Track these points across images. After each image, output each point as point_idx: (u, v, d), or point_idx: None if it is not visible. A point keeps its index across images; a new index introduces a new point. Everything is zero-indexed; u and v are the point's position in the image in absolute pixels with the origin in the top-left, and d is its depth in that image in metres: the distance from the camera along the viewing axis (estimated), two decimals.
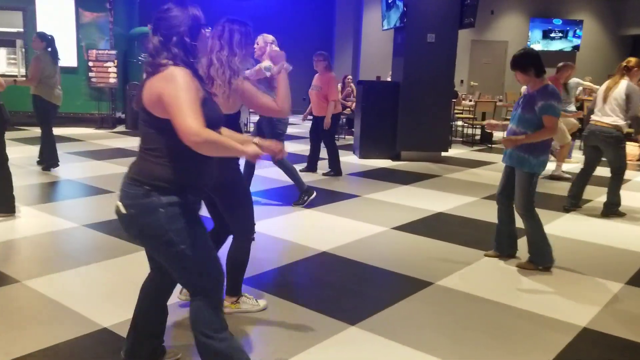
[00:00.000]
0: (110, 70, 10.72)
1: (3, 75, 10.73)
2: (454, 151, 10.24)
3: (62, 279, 3.75)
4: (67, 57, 9.85)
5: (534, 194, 4.13)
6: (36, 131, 7.79)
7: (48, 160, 7.10)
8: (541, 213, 4.26)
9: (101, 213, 5.23)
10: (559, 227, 5.47)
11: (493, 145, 11.12)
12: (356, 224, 5.31)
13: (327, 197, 6.33)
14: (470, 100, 11.64)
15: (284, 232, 5.00)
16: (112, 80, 10.82)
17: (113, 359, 2.73)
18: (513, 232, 4.45)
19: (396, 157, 9.04)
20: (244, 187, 3.19)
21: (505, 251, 4.48)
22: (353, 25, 15.62)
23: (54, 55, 6.90)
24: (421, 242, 4.85)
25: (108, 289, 3.65)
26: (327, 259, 4.36)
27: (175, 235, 2.16)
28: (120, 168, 6.99)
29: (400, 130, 8.93)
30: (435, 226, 5.37)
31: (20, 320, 3.15)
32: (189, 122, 1.99)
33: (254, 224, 3.23)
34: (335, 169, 7.58)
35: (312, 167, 7.75)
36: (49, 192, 6.24)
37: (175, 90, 2.05)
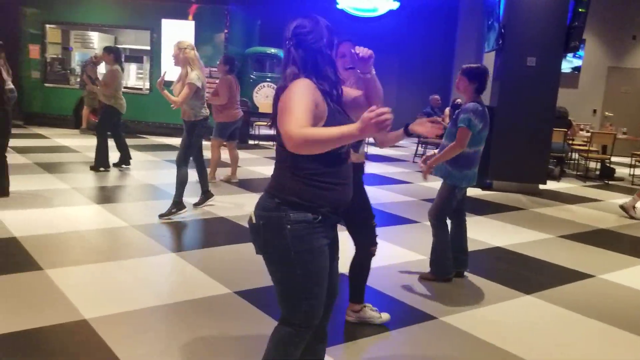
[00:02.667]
0: None
1: (133, 88, 11.93)
2: (562, 185, 9.43)
3: (77, 272, 4.04)
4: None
5: (451, 207, 4.23)
6: (154, 140, 8.51)
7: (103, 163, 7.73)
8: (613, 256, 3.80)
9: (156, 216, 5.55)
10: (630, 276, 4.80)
11: (612, 182, 10.06)
12: (394, 251, 5.09)
13: (383, 220, 6.15)
14: (588, 132, 10.64)
15: None
16: None
17: (77, 348, 2.89)
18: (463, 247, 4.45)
19: (487, 187, 8.52)
20: (365, 199, 3.34)
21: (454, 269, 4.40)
22: (475, 45, 15.09)
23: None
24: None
25: (112, 285, 3.86)
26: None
27: (295, 257, 2.08)
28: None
29: (493, 158, 8.41)
30: (479, 260, 4.98)
31: (18, 302, 3.44)
32: (287, 128, 1.93)
33: (376, 235, 3.42)
34: None
35: None
36: (120, 193, 6.76)
37: (287, 99, 2.01)
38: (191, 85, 5.38)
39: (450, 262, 4.32)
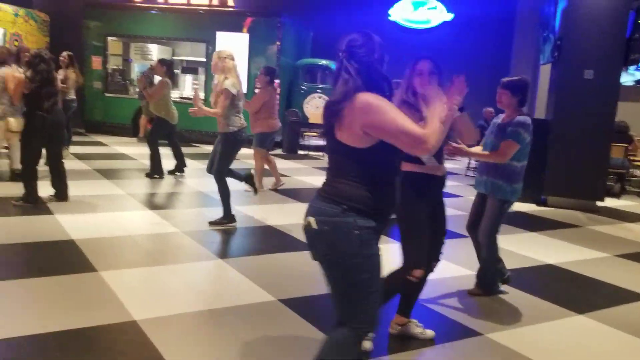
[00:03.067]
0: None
1: (188, 99, 12.25)
2: (622, 202, 9.07)
3: (129, 274, 4.16)
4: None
5: (500, 223, 4.11)
6: (208, 148, 8.71)
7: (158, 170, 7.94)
8: None
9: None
10: None
11: None
12: (441, 265, 5.00)
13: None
14: None
15: None
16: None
17: (126, 348, 2.98)
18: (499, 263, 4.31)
19: (542, 202, 8.29)
20: (417, 219, 3.17)
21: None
22: (532, 57, 14.76)
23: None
24: (501, 291, 4.42)
25: (162, 288, 3.96)
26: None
27: (364, 261, 2.17)
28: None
29: (548, 174, 8.19)
30: (529, 278, 4.84)
31: (73, 302, 3.58)
32: (415, 133, 2.09)
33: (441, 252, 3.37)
34: None
35: None
36: (173, 200, 6.94)
37: (382, 115, 2.11)
38: (226, 91, 5.30)
39: (498, 279, 4.31)
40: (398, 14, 15.96)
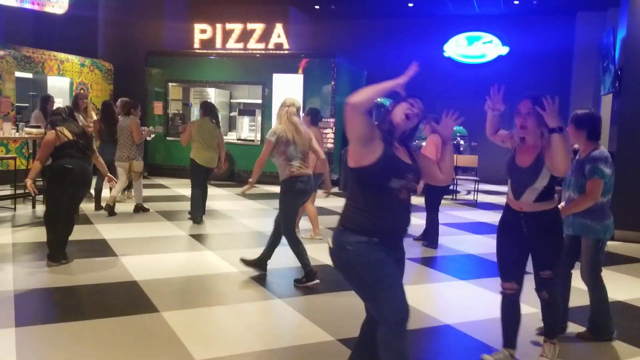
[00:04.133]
0: (328, 136, 11.69)
1: (245, 140, 12.54)
2: None
3: (190, 315, 4.24)
4: None
5: (601, 262, 4.00)
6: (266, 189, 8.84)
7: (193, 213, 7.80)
8: None
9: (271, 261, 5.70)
10: None
11: None
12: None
13: (493, 270, 5.91)
14: None
15: (417, 296, 4.83)
16: (329, 145, 11.75)
17: None
18: (566, 303, 4.25)
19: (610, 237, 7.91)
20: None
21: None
22: (592, 89, 14.38)
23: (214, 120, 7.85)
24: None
25: (222, 328, 4.00)
26: (447, 332, 4.09)
27: (361, 270, 2.61)
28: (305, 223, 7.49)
29: (616, 206, 7.81)
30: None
31: (136, 341, 3.67)
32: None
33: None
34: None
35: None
36: (232, 240, 7.04)
37: None
38: (266, 140, 5.18)
39: (612, 321, 4.12)
40: (452, 50, 15.97)
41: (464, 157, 12.05)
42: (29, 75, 11.59)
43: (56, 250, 5.39)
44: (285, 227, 5.12)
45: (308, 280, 5.07)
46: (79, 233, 6.56)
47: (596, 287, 4.04)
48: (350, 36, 15.84)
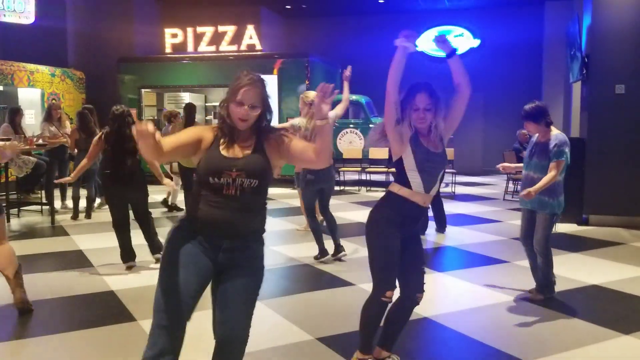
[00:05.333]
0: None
1: None
2: None
3: None
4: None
5: (550, 233, 4.50)
6: None
7: None
8: None
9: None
10: None
11: None
12: (480, 292, 4.92)
13: (473, 261, 6.00)
14: None
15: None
16: None
17: None
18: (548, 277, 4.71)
19: (583, 222, 8.07)
20: (376, 241, 3.17)
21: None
22: (563, 77, 14.60)
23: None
24: (541, 315, 4.30)
25: (201, 335, 3.98)
26: (425, 325, 4.14)
27: (163, 260, 2.56)
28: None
29: (588, 192, 8.00)
30: (574, 300, 4.71)
31: (112, 351, 3.65)
32: None
33: (424, 283, 3.23)
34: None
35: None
36: None
37: None
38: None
39: (554, 281, 4.72)
40: (424, 45, 16.05)
41: (450, 150, 12.15)
42: (1, 88, 11.42)
43: (124, 252, 5.68)
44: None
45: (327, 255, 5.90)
46: (54, 244, 6.50)
47: (547, 255, 4.54)
48: (324, 34, 15.88)
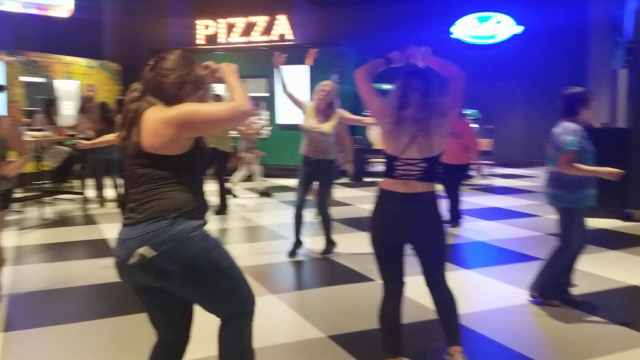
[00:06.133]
0: None
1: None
2: None
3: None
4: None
5: (573, 232, 4.06)
6: (272, 182, 8.79)
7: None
8: None
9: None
10: None
11: None
12: (506, 291, 4.66)
13: (504, 257, 5.72)
14: None
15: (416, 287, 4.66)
16: None
17: None
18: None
19: (627, 217, 7.63)
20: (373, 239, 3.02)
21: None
22: (610, 63, 13.94)
23: None
24: (573, 317, 4.02)
25: (208, 327, 3.88)
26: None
27: (216, 254, 2.26)
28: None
29: (633, 186, 7.55)
30: (612, 301, 4.39)
31: (128, 343, 3.58)
32: (229, 105, 2.27)
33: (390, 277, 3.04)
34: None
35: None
36: (232, 235, 6.95)
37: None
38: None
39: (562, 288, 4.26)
40: (461, 31, 15.63)
41: (479, 141, 11.74)
42: (40, 80, 11.64)
43: None
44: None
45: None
46: (82, 233, 6.55)
47: (555, 255, 4.16)
48: (357, 23, 15.58)
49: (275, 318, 4.13)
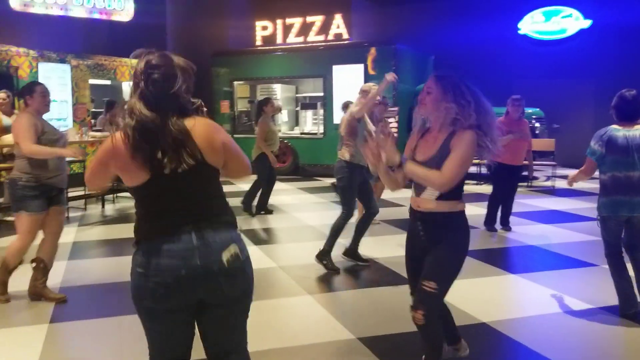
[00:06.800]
0: (391, 125, 11.37)
1: (309, 133, 12.47)
2: None
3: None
4: None
5: (610, 240, 4.00)
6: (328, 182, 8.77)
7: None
8: None
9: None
10: None
11: None
12: (555, 297, 4.43)
13: (556, 263, 5.47)
14: None
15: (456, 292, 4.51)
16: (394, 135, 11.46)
17: None
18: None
19: None
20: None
21: None
22: None
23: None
24: (624, 330, 3.77)
25: None
26: (480, 331, 3.78)
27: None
28: None
29: None
30: None
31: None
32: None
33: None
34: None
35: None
36: (279, 235, 6.97)
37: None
38: None
39: (636, 300, 3.96)
40: (528, 27, 15.07)
41: (540, 141, 11.28)
42: (106, 82, 12.14)
43: None
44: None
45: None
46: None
47: (611, 266, 4.03)
48: (417, 20, 15.31)
49: (307, 318, 4.11)
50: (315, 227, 7.21)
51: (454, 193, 2.69)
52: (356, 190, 5.23)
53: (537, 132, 11.85)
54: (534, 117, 11.93)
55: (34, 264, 4.41)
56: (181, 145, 1.99)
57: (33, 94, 4.30)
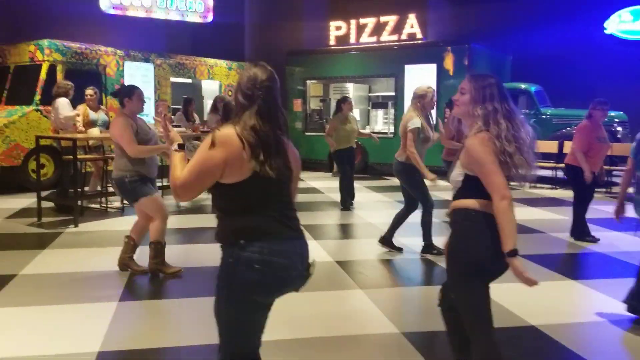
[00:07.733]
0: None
1: (379, 133, 12.52)
2: None
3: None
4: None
5: None
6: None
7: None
8: None
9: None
10: None
11: None
12: (612, 305, 4.30)
13: (621, 271, 5.28)
14: None
15: (511, 295, 4.46)
16: None
17: None
18: None
19: None
20: None
21: None
22: None
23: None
24: None
25: (292, 313, 4.08)
26: (528, 333, 3.75)
27: None
28: None
29: None
30: None
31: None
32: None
33: None
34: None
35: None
36: (341, 231, 7.10)
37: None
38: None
39: None
40: (615, 26, 14.37)
41: (623, 146, 10.74)
42: (186, 80, 12.77)
43: None
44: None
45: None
46: (211, 221, 7.11)
47: None
48: (495, 20, 14.94)
49: (355, 312, 4.22)
50: (376, 225, 7.28)
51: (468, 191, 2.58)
52: (424, 183, 5.59)
53: (619, 136, 11.31)
54: (616, 120, 11.40)
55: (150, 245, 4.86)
56: (283, 154, 2.25)
57: (132, 97, 4.76)
